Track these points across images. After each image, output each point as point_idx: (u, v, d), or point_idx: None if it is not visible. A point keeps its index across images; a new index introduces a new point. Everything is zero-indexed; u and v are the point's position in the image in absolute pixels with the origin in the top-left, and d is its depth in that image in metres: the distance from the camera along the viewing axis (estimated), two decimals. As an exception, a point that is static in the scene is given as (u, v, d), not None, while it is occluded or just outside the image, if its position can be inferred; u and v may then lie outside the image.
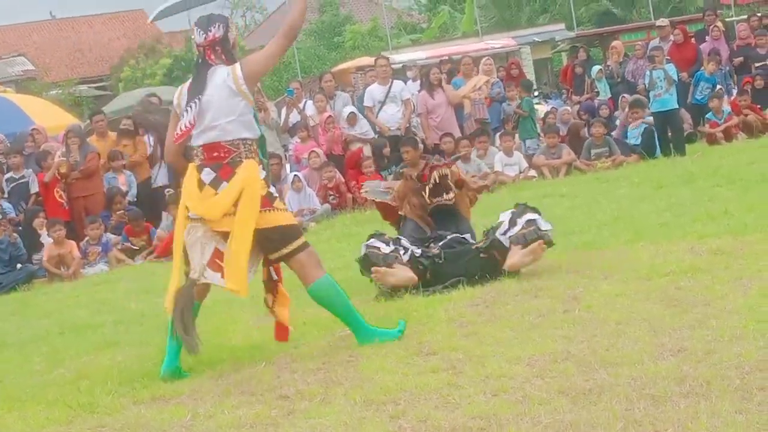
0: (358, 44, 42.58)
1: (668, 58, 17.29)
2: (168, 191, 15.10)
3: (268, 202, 6.30)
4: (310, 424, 4.87)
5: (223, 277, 6.30)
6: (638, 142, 16.56)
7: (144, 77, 41.79)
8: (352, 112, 16.79)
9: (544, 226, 8.10)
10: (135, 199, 15.55)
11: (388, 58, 18.70)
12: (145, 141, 16.03)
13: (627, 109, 17.43)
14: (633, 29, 33.07)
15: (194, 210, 6.34)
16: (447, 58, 22.59)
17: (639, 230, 9.11)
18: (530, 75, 28.15)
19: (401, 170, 9.47)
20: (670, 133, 16.22)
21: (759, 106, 17.66)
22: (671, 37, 19.74)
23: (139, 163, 15.89)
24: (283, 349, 6.50)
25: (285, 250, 6.34)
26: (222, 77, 6.33)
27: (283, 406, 5.25)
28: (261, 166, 6.39)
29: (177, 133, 6.40)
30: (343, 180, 15.82)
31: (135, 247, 14.37)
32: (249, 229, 6.18)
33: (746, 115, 17.26)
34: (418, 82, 18.48)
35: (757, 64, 19.44)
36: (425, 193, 8.80)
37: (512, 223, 8.12)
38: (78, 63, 50.27)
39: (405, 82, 18.06)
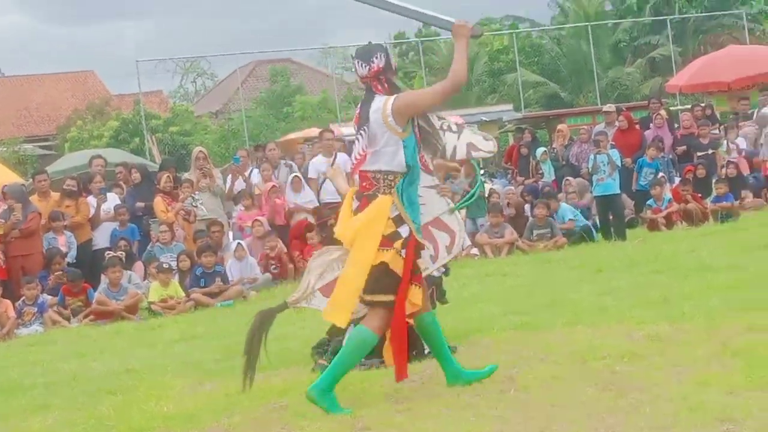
0: (308, 115, 42.65)
1: (612, 143, 17.51)
2: (108, 254, 14.98)
3: (388, 242, 6.37)
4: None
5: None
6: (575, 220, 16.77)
7: (91, 138, 41.55)
8: (296, 176, 16.86)
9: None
10: (74, 261, 15.37)
11: (333, 131, 18.79)
12: (87, 202, 15.92)
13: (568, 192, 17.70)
14: (579, 113, 33.46)
15: (338, 232, 6.59)
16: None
17: (577, 313, 9.14)
18: (476, 154, 28.36)
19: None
20: (611, 218, 16.41)
21: (700, 195, 17.90)
22: (616, 123, 20.01)
23: (81, 224, 15.76)
24: (216, 419, 6.43)
25: (368, 297, 6.43)
26: (376, 106, 6.50)
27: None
28: (394, 205, 6.44)
29: (352, 162, 6.67)
30: (285, 250, 15.79)
31: (70, 306, 14.15)
32: (364, 264, 6.34)
33: (687, 203, 17.48)
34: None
35: (699, 154, 19.78)
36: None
37: None
38: (25, 121, 49.95)
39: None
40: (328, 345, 8.20)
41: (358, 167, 6.56)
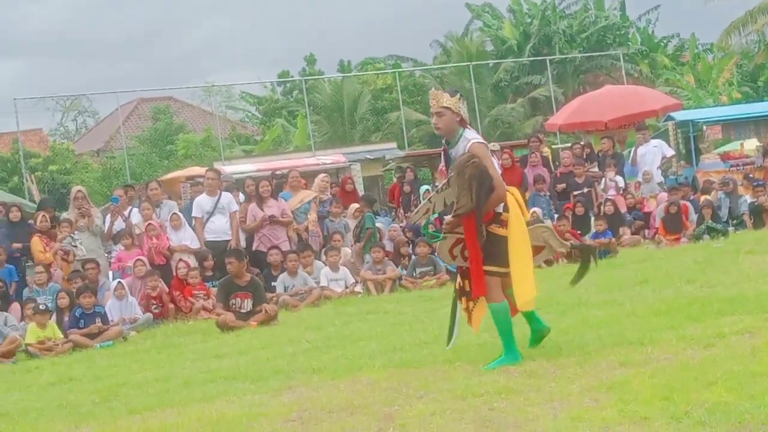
0: (191, 153, 42.40)
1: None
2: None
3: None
4: None
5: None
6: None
7: (-34, 177, 40.74)
8: (175, 214, 16.84)
9: None
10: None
11: (218, 171, 18.74)
12: None
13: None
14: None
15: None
16: (277, 171, 22.67)
17: (457, 350, 9.18)
18: (360, 192, 28.52)
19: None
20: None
21: (579, 232, 18.19)
22: (500, 161, 20.27)
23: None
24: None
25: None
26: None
27: None
28: None
29: None
30: (167, 290, 15.61)
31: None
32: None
33: (566, 240, 17.71)
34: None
35: (575, 192, 20.15)
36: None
37: None
38: None
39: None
40: None
41: None
